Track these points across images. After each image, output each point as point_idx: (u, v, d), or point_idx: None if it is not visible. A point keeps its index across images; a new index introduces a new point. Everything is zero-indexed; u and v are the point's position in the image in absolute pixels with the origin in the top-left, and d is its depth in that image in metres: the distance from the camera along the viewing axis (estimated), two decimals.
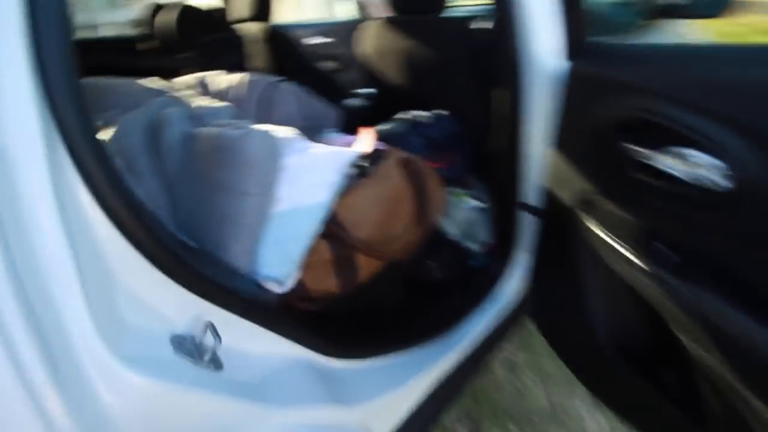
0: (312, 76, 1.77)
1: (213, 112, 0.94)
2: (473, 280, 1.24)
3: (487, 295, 1.17)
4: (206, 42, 1.41)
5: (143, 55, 1.47)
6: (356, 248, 0.83)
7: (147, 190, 0.79)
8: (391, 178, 0.94)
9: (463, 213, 1.28)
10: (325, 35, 2.61)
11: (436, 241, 1.18)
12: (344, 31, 2.66)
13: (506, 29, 0.86)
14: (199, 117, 0.89)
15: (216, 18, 1.46)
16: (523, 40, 0.85)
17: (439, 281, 1.22)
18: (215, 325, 0.51)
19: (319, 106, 1.29)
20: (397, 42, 1.25)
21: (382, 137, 1.30)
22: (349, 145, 1.00)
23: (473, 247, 1.29)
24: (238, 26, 1.71)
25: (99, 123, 0.89)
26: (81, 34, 1.63)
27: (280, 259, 0.74)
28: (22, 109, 0.39)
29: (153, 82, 1.13)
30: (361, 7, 2.57)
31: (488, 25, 1.18)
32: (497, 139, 1.09)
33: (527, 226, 1.08)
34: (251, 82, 1.16)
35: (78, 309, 0.41)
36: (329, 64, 2.63)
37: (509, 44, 0.86)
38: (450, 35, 1.14)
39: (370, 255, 0.85)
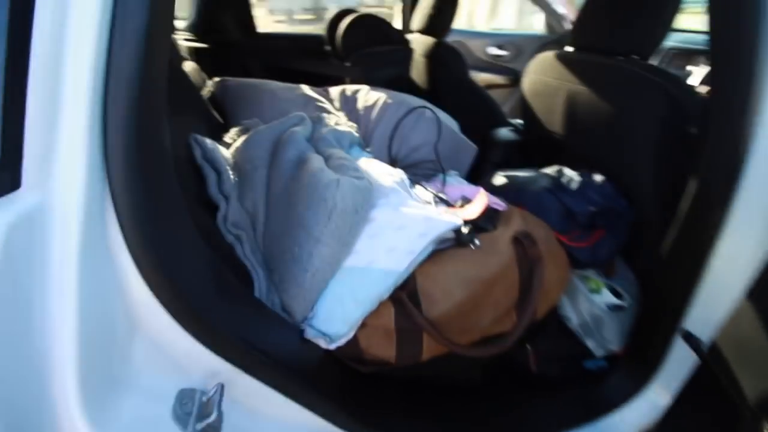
0: (471, 95, 1.65)
1: (337, 136, 0.93)
2: (580, 389, 0.98)
3: (592, 415, 0.91)
4: (370, 53, 1.44)
5: (313, 59, 1.60)
6: (423, 326, 0.72)
7: (253, 201, 0.83)
8: (496, 255, 0.78)
9: (593, 306, 1.01)
10: (502, 48, 2.45)
11: (546, 324, 0.97)
12: (526, 46, 2.45)
13: (735, 100, 0.59)
14: (322, 140, 0.90)
15: (385, 29, 1.47)
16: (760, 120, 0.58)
17: (534, 374, 1.01)
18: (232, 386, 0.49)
19: (459, 140, 1.19)
20: (570, 79, 1.03)
21: (512, 187, 1.12)
22: (464, 199, 0.87)
23: (594, 348, 1.02)
24: (411, 38, 1.71)
25: (238, 126, 0.98)
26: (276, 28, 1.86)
27: (335, 316, 0.69)
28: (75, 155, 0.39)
29: (307, 90, 1.20)
30: (551, 25, 2.29)
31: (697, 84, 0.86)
32: (674, 235, 0.81)
33: (679, 361, 0.79)
34: (390, 105, 1.13)
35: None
36: (497, 80, 2.46)
37: (735, 119, 0.60)
38: (645, 86, 0.87)
39: (438, 341, 0.72)
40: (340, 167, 0.76)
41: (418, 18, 1.68)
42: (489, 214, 0.85)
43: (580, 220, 0.93)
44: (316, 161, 0.76)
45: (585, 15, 1.01)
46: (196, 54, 1.70)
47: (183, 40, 1.66)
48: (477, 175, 1.43)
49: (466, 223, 0.79)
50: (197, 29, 1.72)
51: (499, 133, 1.54)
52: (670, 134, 0.84)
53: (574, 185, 0.97)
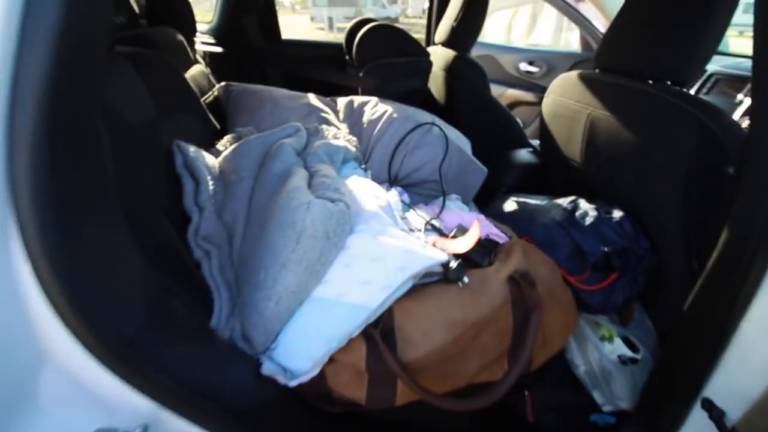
0: (489, 112, 1.56)
1: (330, 150, 0.88)
2: None
3: None
4: (385, 63, 1.38)
5: (331, 68, 1.56)
6: (395, 371, 0.64)
7: (234, 213, 0.79)
8: (487, 295, 0.69)
9: (602, 356, 0.91)
10: (533, 64, 2.34)
11: (548, 370, 0.87)
12: (558, 63, 2.33)
13: None
14: (312, 154, 0.85)
15: (402, 40, 1.42)
16: None
17: (531, 425, 0.91)
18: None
19: (468, 160, 1.11)
20: (592, 103, 0.93)
21: (522, 215, 1.02)
22: (459, 229, 0.79)
23: (601, 401, 0.91)
24: (432, 51, 1.65)
25: (233, 132, 0.95)
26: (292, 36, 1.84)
27: (299, 351, 0.62)
28: None
29: (313, 99, 1.16)
30: (587, 42, 2.17)
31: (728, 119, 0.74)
32: (702, 288, 0.70)
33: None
34: (395, 120, 1.07)
35: None
36: (526, 97, 2.35)
37: None
38: (678, 116, 0.76)
39: (412, 388, 0.64)
40: (320, 186, 0.70)
41: (441, 30, 1.61)
42: (486, 246, 0.77)
43: (592, 261, 0.83)
44: (296, 178, 0.71)
45: (613, 32, 0.91)
46: (215, 58, 1.70)
47: (201, 43, 1.67)
48: (489, 198, 1.34)
49: (456, 257, 0.71)
50: (219, 33, 1.73)
51: (515, 154, 1.44)
52: (704, 172, 0.73)
53: (588, 220, 0.86)
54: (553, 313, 0.76)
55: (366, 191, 0.74)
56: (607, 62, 0.93)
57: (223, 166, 0.86)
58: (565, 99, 1.03)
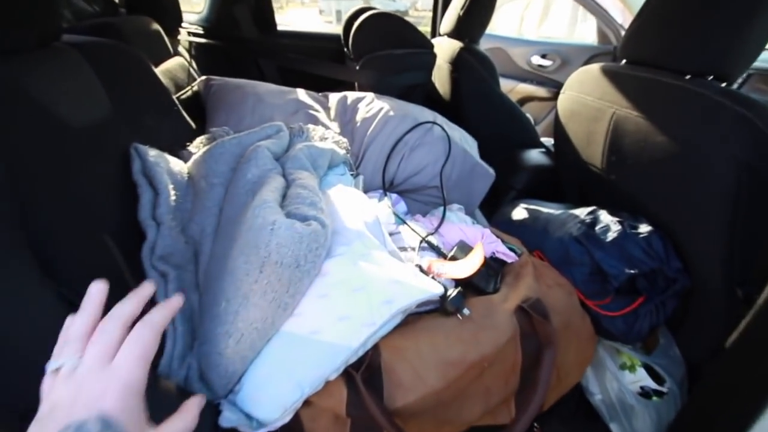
0: (498, 109, 1.44)
1: (314, 153, 0.77)
2: None
3: None
4: (383, 56, 1.27)
5: (327, 61, 1.44)
6: (380, 423, 0.53)
7: (201, 227, 0.69)
8: (492, 330, 0.58)
9: (622, 388, 0.80)
10: (546, 57, 2.19)
11: (561, 401, 0.76)
12: (573, 56, 2.19)
13: None
14: (293, 158, 0.74)
15: (402, 30, 1.29)
16: None
17: None
18: None
19: (473, 163, 0.99)
20: (617, 100, 0.81)
21: (533, 225, 0.91)
22: (460, 246, 0.68)
23: None
24: (437, 42, 1.52)
25: (209, 131, 0.84)
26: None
27: (265, 396, 0.52)
28: None
29: (302, 95, 1.05)
30: (604, 34, 2.02)
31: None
32: (748, 322, 0.60)
33: None
34: (391, 118, 0.95)
35: None
36: (538, 92, 2.21)
37: None
38: (724, 117, 0.64)
39: None
40: (295, 199, 0.59)
41: (447, 19, 1.49)
42: (492, 267, 0.66)
43: (615, 285, 0.71)
44: (267, 189, 0.60)
45: (644, 18, 0.79)
46: (204, 51, 1.60)
47: (189, 33, 1.56)
48: (496, 203, 1.23)
49: (456, 282, 0.60)
50: (210, 24, 1.62)
51: (526, 155, 1.32)
52: (755, 183, 0.61)
53: (610, 236, 0.75)
54: (569, 347, 0.65)
55: (350, 204, 0.63)
56: (637, 53, 0.80)
57: (193, 171, 0.75)
58: (585, 95, 0.91)
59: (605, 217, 0.79)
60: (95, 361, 0.28)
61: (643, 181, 0.79)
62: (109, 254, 0.54)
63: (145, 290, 0.33)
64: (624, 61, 0.85)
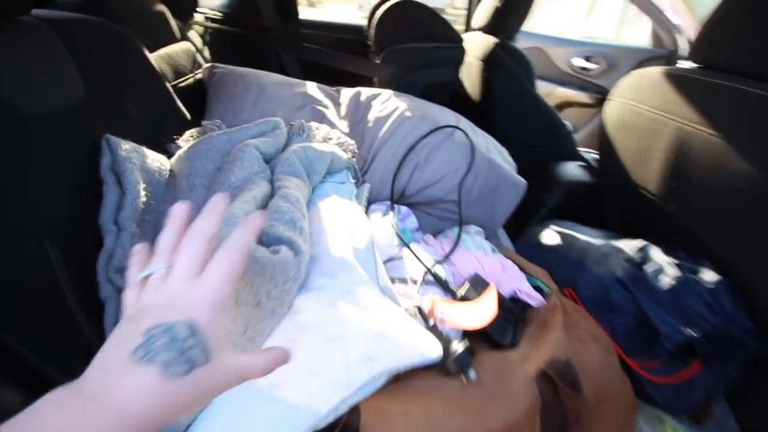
0: (533, 113, 1.29)
1: (310, 156, 0.66)
2: None
3: None
4: (406, 49, 1.14)
5: (349, 53, 1.33)
6: None
7: None
8: (505, 400, 0.46)
9: None
10: (590, 59, 2.00)
11: None
12: (621, 59, 1.99)
13: None
14: (285, 161, 0.64)
15: (430, 22, 1.17)
16: None
17: None
18: None
19: (501, 175, 0.85)
20: (682, 112, 0.66)
21: (566, 253, 0.76)
22: (473, 282, 0.56)
23: None
24: (468, 37, 1.38)
25: (202, 125, 0.75)
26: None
27: None
28: None
29: (312, 89, 0.94)
30: (658, 37, 1.81)
31: None
32: None
33: None
34: (407, 120, 0.83)
35: None
36: (579, 97, 2.03)
37: None
38: None
39: None
40: (275, 212, 0.49)
41: (481, 12, 1.34)
42: (511, 311, 0.53)
43: (668, 348, 0.57)
44: (242, 199, 0.50)
45: (723, 14, 0.63)
46: (221, 38, 1.52)
47: (206, 19, 1.49)
48: (524, 220, 1.08)
49: (463, 333, 0.48)
50: (230, 9, 1.54)
51: (563, 168, 1.17)
52: None
53: (665, 282, 0.60)
54: (602, 422, 0.51)
55: (340, 224, 0.52)
56: (714, 55, 0.64)
57: (175, 169, 0.66)
58: (639, 104, 0.76)
59: (659, 256, 0.64)
60: (186, 270, 0.28)
61: (713, 216, 0.63)
62: (47, 262, 0.45)
63: (219, 204, 0.32)
64: (693, 64, 0.70)
